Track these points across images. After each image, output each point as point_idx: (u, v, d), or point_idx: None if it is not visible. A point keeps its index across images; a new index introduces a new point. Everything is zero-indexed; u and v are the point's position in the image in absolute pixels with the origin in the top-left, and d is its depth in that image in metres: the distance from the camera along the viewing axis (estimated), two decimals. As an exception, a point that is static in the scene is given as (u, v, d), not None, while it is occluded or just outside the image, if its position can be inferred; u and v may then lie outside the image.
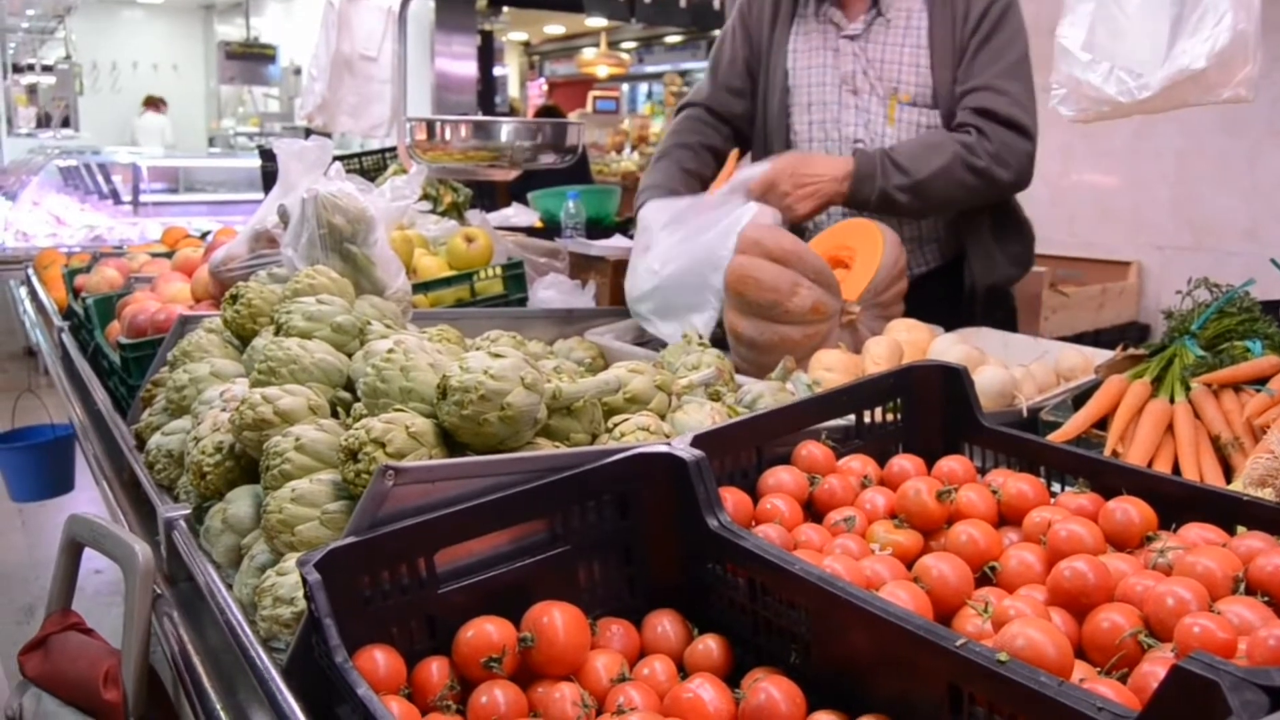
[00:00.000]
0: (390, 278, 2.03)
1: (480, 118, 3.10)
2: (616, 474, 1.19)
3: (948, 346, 1.93)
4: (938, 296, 2.43)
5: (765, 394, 1.69)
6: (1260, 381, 1.57)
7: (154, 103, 15.08)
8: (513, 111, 13.98)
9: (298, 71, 12.80)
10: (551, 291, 2.70)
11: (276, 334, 1.64)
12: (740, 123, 2.77)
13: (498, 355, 1.29)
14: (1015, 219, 2.62)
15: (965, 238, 2.53)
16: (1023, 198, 2.56)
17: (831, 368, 1.87)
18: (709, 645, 1.11)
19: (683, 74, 15.15)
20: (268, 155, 4.10)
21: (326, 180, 2.16)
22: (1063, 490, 1.31)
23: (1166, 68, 1.71)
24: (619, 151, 13.09)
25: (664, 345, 2.01)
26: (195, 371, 1.71)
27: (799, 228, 2.54)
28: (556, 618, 1.06)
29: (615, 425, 1.41)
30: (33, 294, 3.85)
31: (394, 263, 2.06)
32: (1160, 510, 1.18)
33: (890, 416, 1.48)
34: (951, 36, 2.42)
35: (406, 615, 1.08)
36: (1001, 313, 2.62)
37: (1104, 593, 1.03)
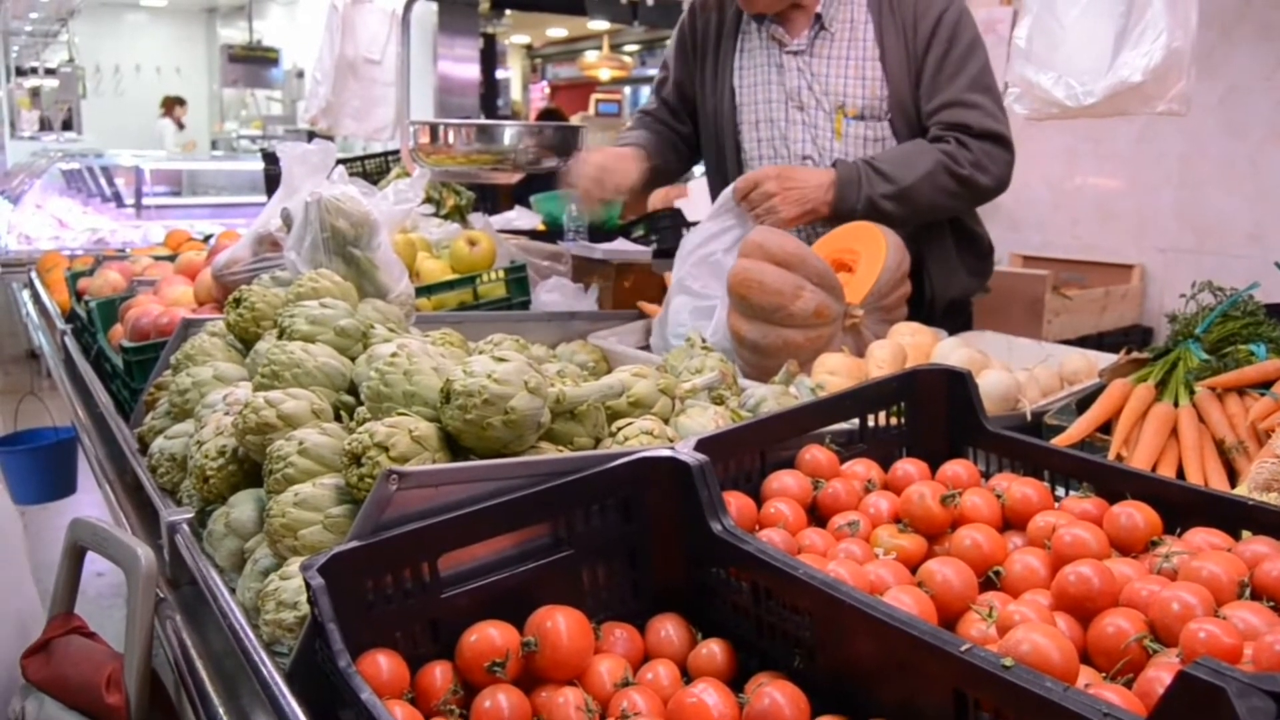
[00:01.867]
0: (393, 281, 2.03)
1: (483, 121, 3.10)
2: (620, 478, 1.19)
3: (951, 350, 1.93)
4: None
5: (768, 398, 1.68)
6: (1265, 385, 1.57)
7: (169, 105, 15.11)
8: (515, 115, 13.98)
9: (300, 75, 12.84)
10: (554, 295, 2.70)
11: (280, 337, 1.64)
12: (684, 140, 2.83)
13: (501, 359, 1.28)
14: (972, 231, 2.62)
15: (925, 249, 2.52)
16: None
17: (835, 371, 1.87)
18: (713, 650, 1.11)
19: (685, 77, 15.13)
20: (270, 158, 4.10)
21: (330, 184, 2.16)
22: (1067, 495, 1.31)
23: (1109, 78, 1.76)
24: (621, 154, 13.06)
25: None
26: (198, 375, 1.71)
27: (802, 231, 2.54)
28: (560, 622, 1.06)
29: (619, 429, 1.41)
30: (35, 297, 3.86)
31: (397, 266, 2.06)
32: (1165, 515, 1.17)
33: (894, 420, 1.48)
34: (904, 48, 2.41)
35: (410, 620, 1.08)
36: (960, 321, 2.62)
37: (1109, 598, 1.02)
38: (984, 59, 2.43)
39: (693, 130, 2.80)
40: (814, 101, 2.49)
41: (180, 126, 15.26)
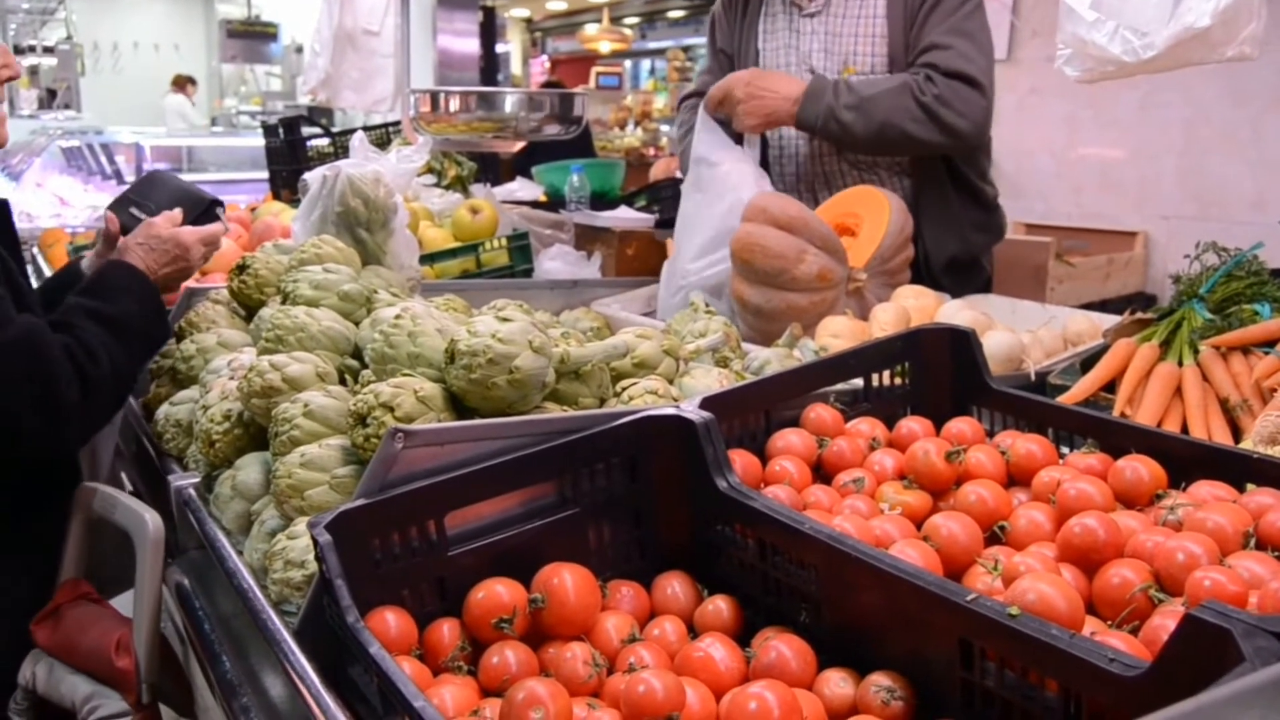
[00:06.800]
0: (397, 269, 2.00)
1: (483, 88, 3.08)
2: (626, 436, 1.19)
3: (955, 312, 1.93)
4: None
5: (772, 360, 1.68)
6: (1269, 344, 1.57)
7: (181, 83, 15.04)
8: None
9: (299, 50, 12.76)
10: (557, 262, 2.70)
11: (284, 303, 1.64)
12: None
13: (506, 319, 1.28)
14: (976, 186, 2.57)
15: (920, 203, 2.47)
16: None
17: (838, 334, 1.87)
18: (719, 605, 1.12)
19: (685, 49, 15.02)
20: (270, 133, 4.08)
21: (357, 161, 2.12)
22: (1071, 452, 1.31)
23: (1172, 26, 1.70)
24: (622, 127, 13.03)
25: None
26: (202, 341, 1.71)
27: (806, 197, 2.54)
28: (567, 579, 1.06)
29: (623, 389, 1.41)
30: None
31: (406, 253, 2.03)
32: (1170, 469, 1.17)
33: (898, 380, 1.48)
34: (904, 4, 2.42)
35: (417, 577, 1.09)
36: (977, 282, 2.58)
37: (1114, 549, 1.02)
38: (972, 11, 2.39)
39: None
40: (824, 63, 2.50)
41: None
